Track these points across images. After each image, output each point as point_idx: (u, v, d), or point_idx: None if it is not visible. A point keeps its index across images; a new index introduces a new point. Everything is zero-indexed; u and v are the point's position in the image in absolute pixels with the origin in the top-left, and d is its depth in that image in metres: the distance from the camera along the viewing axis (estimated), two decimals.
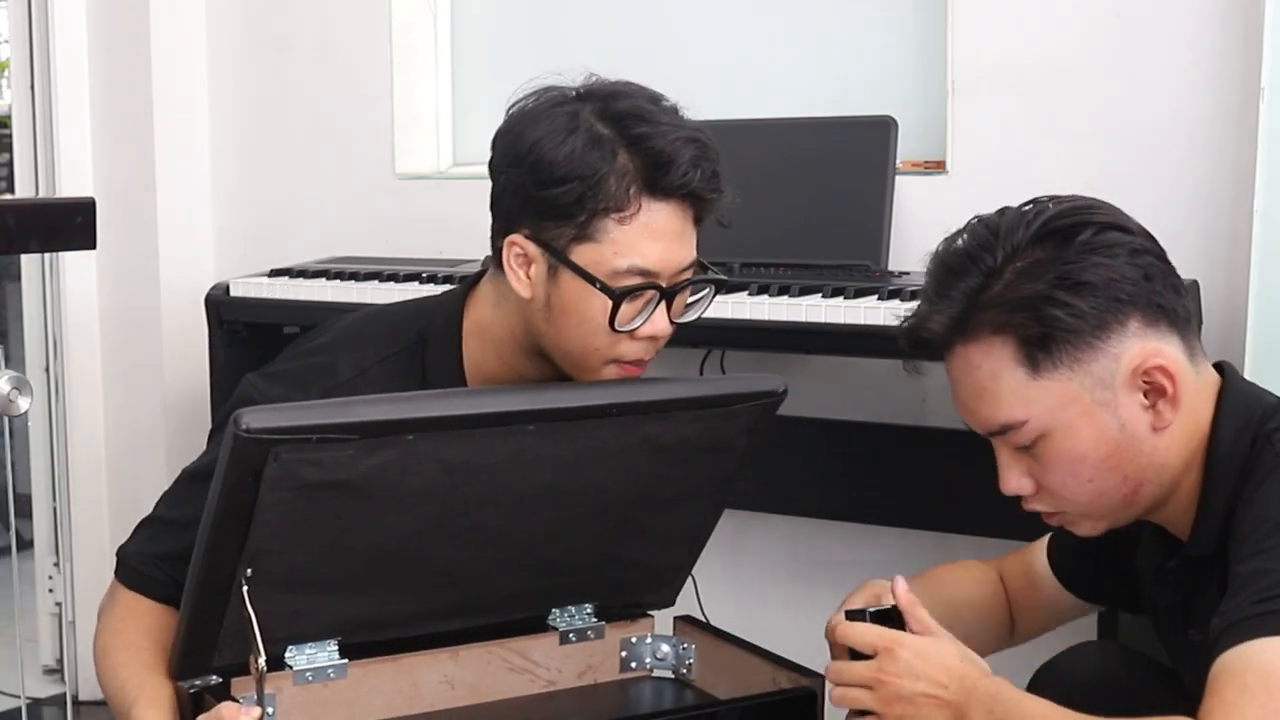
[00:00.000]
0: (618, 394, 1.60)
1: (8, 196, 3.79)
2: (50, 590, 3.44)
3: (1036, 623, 1.82)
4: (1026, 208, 1.52)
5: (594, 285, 1.62)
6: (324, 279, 2.71)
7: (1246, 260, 2.05)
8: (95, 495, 3.36)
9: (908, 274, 2.33)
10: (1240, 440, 1.49)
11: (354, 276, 2.67)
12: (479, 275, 1.79)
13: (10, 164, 3.51)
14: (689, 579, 1.84)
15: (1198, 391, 1.51)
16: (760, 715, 1.61)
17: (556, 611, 1.75)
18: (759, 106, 2.66)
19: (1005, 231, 1.50)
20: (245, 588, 1.46)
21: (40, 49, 3.33)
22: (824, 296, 2.17)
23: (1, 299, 4.14)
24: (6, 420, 2.00)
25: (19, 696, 2.60)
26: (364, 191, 3.12)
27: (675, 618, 1.81)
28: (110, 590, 1.73)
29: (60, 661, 3.42)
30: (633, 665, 1.79)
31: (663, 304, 1.66)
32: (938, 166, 2.48)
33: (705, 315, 2.25)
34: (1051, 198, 1.54)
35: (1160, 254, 1.51)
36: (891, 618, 1.52)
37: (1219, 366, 1.57)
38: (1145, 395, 1.47)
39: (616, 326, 1.63)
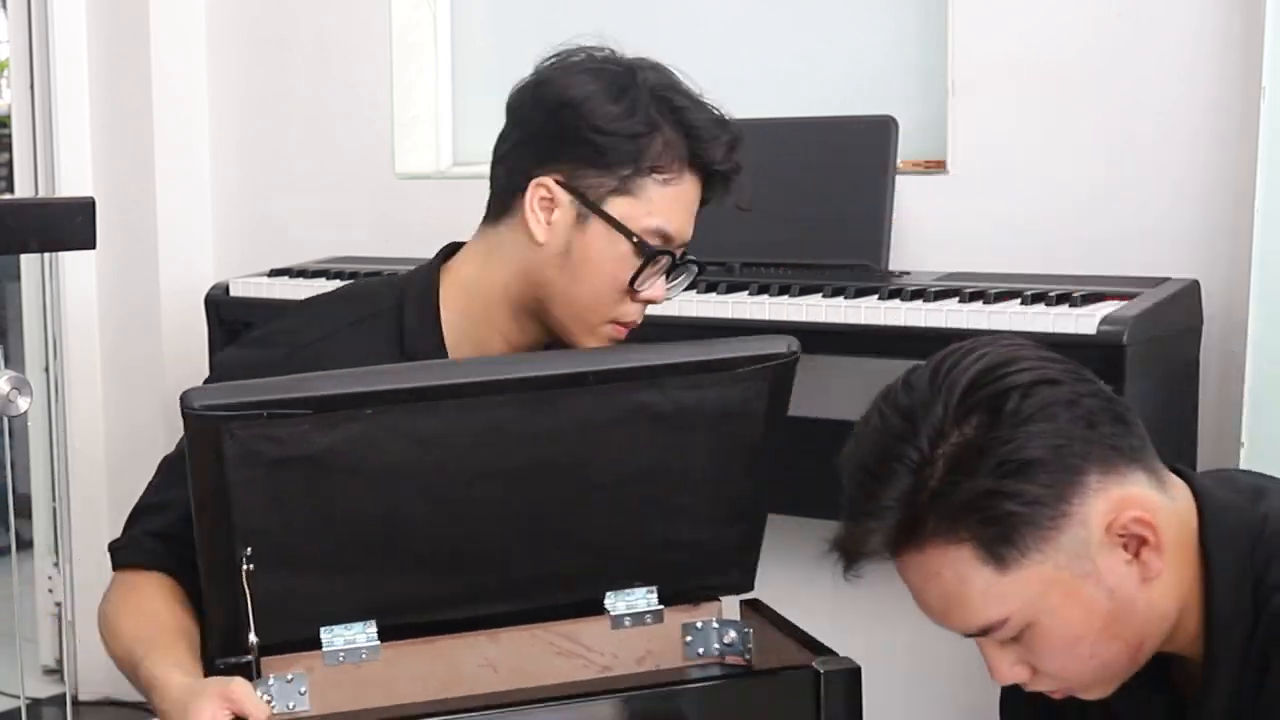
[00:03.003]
0: (594, 361, 1.55)
1: (8, 196, 3.80)
2: (50, 590, 3.44)
3: None
4: (934, 373, 1.36)
5: (628, 238, 1.65)
6: (324, 279, 2.71)
7: (1247, 260, 2.05)
8: (95, 495, 3.36)
9: (908, 274, 2.33)
10: (1240, 590, 1.35)
11: (354, 276, 2.66)
12: (453, 247, 1.79)
13: (10, 164, 3.52)
14: None
15: (1177, 519, 1.37)
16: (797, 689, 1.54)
17: (612, 595, 1.65)
18: (759, 106, 2.65)
19: (920, 412, 1.34)
20: (245, 567, 1.46)
21: (40, 49, 3.33)
22: (824, 296, 2.17)
23: (1, 299, 4.14)
24: (6, 420, 2.00)
25: (19, 697, 2.60)
26: (364, 191, 3.12)
27: (741, 601, 1.71)
28: (108, 587, 1.74)
29: (60, 661, 3.42)
30: (700, 651, 1.68)
31: (664, 274, 1.71)
32: (938, 166, 2.48)
33: (706, 315, 2.27)
34: (955, 353, 1.38)
35: (1092, 387, 1.36)
36: None
37: (1178, 473, 1.42)
38: (1125, 548, 1.33)
39: (635, 284, 1.67)
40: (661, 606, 1.67)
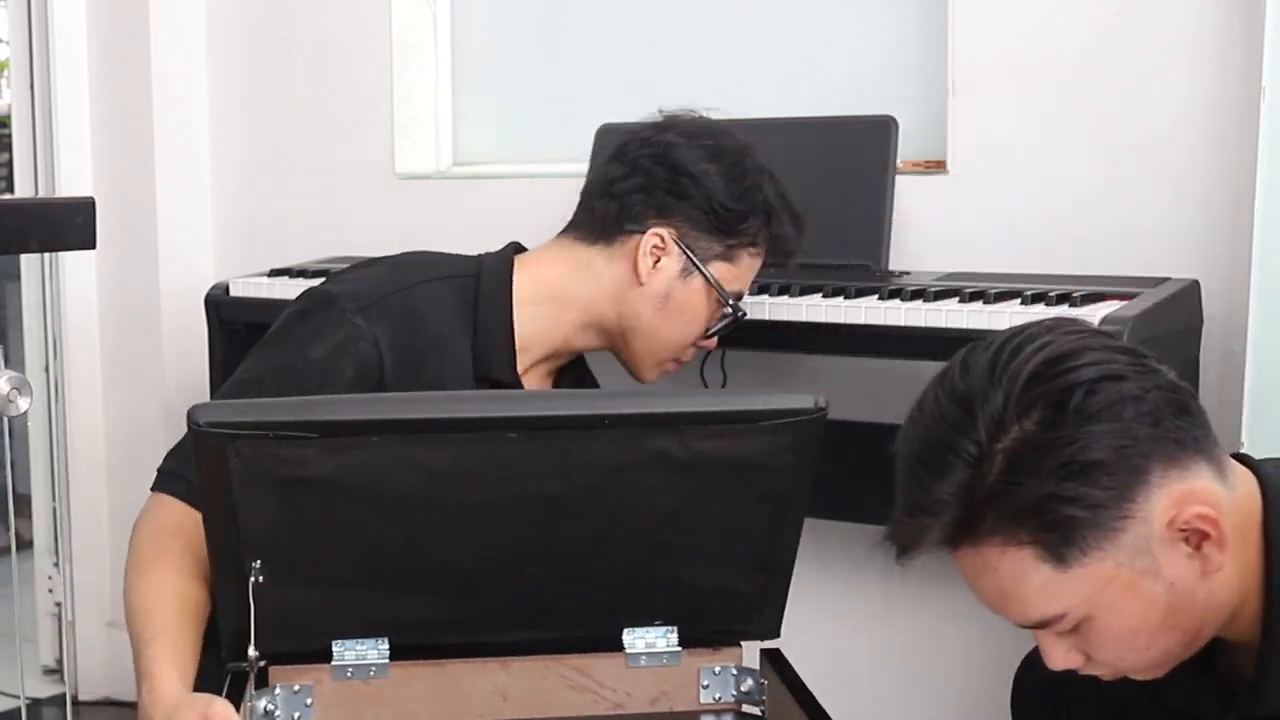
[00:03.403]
0: (610, 405, 1.55)
1: (8, 196, 3.80)
2: (50, 590, 3.44)
3: None
4: (994, 360, 1.34)
5: (723, 299, 1.96)
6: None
7: (1247, 260, 2.05)
8: (95, 495, 3.36)
9: (908, 274, 2.33)
10: None
11: None
12: (514, 246, 1.99)
13: (10, 164, 3.51)
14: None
15: (1238, 507, 1.35)
16: None
17: (630, 632, 1.66)
18: (759, 106, 2.65)
19: (979, 402, 1.31)
20: (252, 578, 1.46)
21: (40, 49, 3.33)
22: (824, 296, 2.17)
23: (1, 299, 4.14)
24: (6, 420, 2.00)
25: (18, 697, 2.60)
26: (364, 191, 3.12)
27: (762, 650, 1.70)
28: (146, 506, 1.74)
29: (60, 661, 3.42)
30: (715, 697, 1.68)
31: None
32: (938, 166, 2.48)
33: None
34: (1016, 339, 1.35)
35: (1157, 379, 1.33)
36: None
37: (1241, 460, 1.41)
38: (1187, 542, 1.32)
39: (710, 334, 1.98)
40: (680, 648, 1.65)
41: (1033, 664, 1.76)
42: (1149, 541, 1.30)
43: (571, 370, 2.03)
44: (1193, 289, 2.16)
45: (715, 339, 2.01)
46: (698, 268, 1.94)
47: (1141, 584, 1.31)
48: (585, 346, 1.99)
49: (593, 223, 1.97)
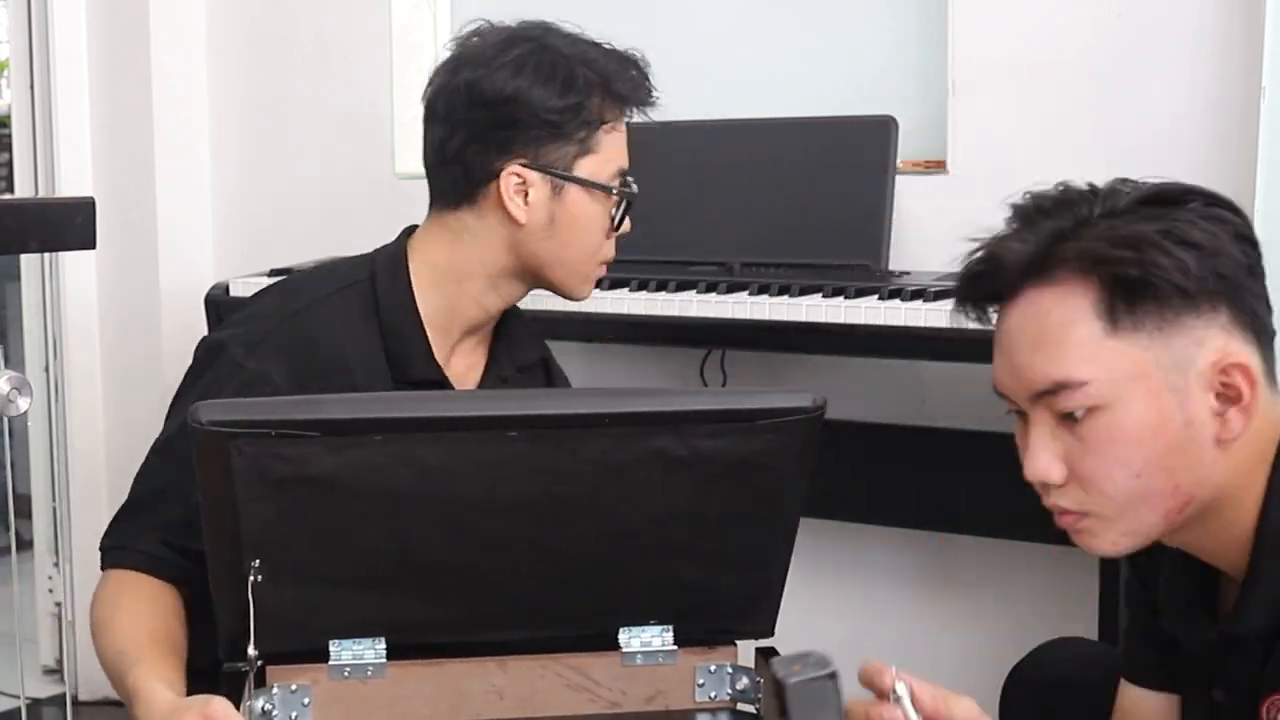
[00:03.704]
0: (611, 404, 1.54)
1: (8, 196, 3.80)
2: (50, 590, 3.44)
3: None
4: (1122, 180, 1.38)
5: (606, 191, 1.84)
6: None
7: None
8: (95, 495, 3.36)
9: (908, 274, 2.33)
10: None
11: None
12: (414, 227, 1.93)
13: (10, 164, 3.51)
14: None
15: (1268, 418, 1.34)
16: None
17: (626, 631, 1.65)
18: (760, 106, 2.65)
19: (1105, 192, 1.35)
20: (251, 578, 1.46)
21: (40, 49, 3.33)
22: (824, 296, 2.17)
23: (1, 299, 4.14)
24: (6, 420, 2.00)
25: (19, 697, 2.60)
26: (364, 191, 3.12)
27: (757, 649, 1.70)
28: (99, 583, 1.76)
29: (60, 661, 3.42)
30: (711, 695, 1.67)
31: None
32: (938, 166, 2.48)
33: (706, 315, 2.27)
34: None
35: (1260, 257, 1.36)
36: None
37: None
38: (1217, 398, 1.31)
39: (617, 226, 1.86)
40: (676, 647, 1.65)
41: (1021, 672, 1.76)
42: (1191, 364, 1.30)
43: (504, 331, 1.97)
44: None
45: (627, 224, 1.88)
46: (565, 179, 1.82)
47: (1166, 399, 1.30)
48: (507, 301, 1.90)
49: (447, 191, 1.88)
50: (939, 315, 2.05)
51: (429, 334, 1.84)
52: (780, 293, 2.22)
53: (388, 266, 1.87)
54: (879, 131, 2.40)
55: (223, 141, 3.32)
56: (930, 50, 2.52)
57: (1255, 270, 1.33)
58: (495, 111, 1.81)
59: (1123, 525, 1.34)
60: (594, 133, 1.83)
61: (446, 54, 1.91)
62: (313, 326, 1.79)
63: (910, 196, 2.42)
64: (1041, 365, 1.32)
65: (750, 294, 2.24)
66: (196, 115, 3.32)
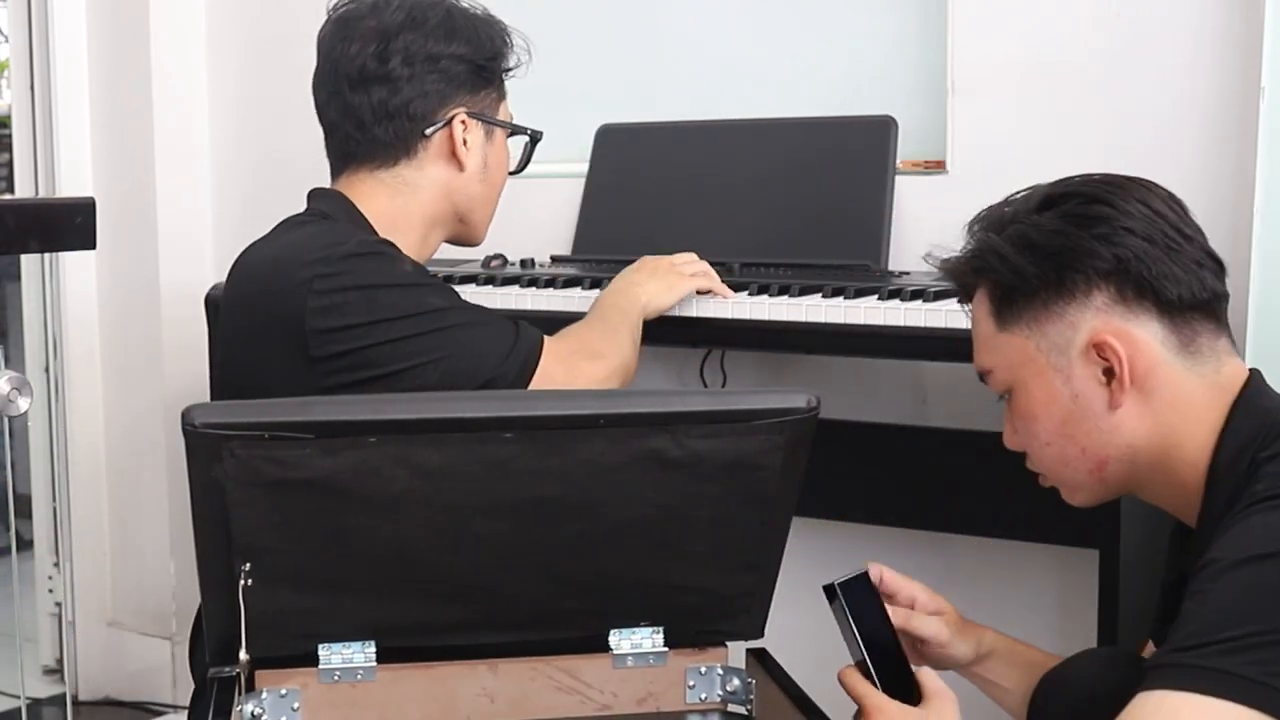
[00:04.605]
0: (607, 405, 1.55)
1: (8, 196, 3.80)
2: (50, 590, 3.44)
3: None
4: (1069, 177, 1.57)
5: (525, 133, 2.08)
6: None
7: (1246, 260, 2.05)
8: (95, 495, 3.36)
9: (908, 274, 2.33)
10: (1240, 460, 1.45)
11: None
12: (320, 191, 2.06)
13: (10, 164, 3.51)
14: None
15: (1189, 387, 1.49)
16: None
17: (617, 633, 1.66)
18: (759, 106, 2.65)
19: (1032, 191, 1.56)
20: (242, 581, 1.46)
21: (40, 49, 3.33)
22: (824, 296, 2.17)
23: (1, 299, 4.14)
24: (6, 420, 2.01)
25: (19, 697, 2.60)
26: None
27: (748, 650, 1.72)
28: None
29: (60, 661, 3.42)
30: (702, 697, 1.68)
31: None
32: (938, 166, 2.48)
33: (706, 315, 2.27)
34: (1102, 176, 1.57)
35: (1160, 239, 1.49)
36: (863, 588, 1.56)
37: (1251, 374, 1.52)
38: (1104, 372, 1.49)
39: (523, 166, 2.10)
40: (666, 649, 1.66)
41: (1053, 679, 1.76)
42: (1070, 346, 1.50)
43: None
44: None
45: (526, 164, 2.12)
46: (495, 124, 2.03)
47: (1051, 379, 1.51)
48: (433, 250, 2.06)
49: (386, 148, 1.99)
50: (939, 315, 2.05)
51: None
52: (780, 293, 2.22)
53: (352, 218, 1.97)
54: (879, 131, 2.40)
55: (223, 141, 3.32)
56: (930, 50, 2.52)
57: (1136, 255, 1.47)
58: (436, 65, 1.96)
59: (1064, 484, 1.58)
60: (504, 80, 2.05)
61: (330, 26, 2.01)
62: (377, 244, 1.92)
63: (910, 196, 2.42)
64: (975, 356, 1.60)
65: (750, 294, 2.24)
66: (196, 115, 3.32)
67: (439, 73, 1.97)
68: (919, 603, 1.70)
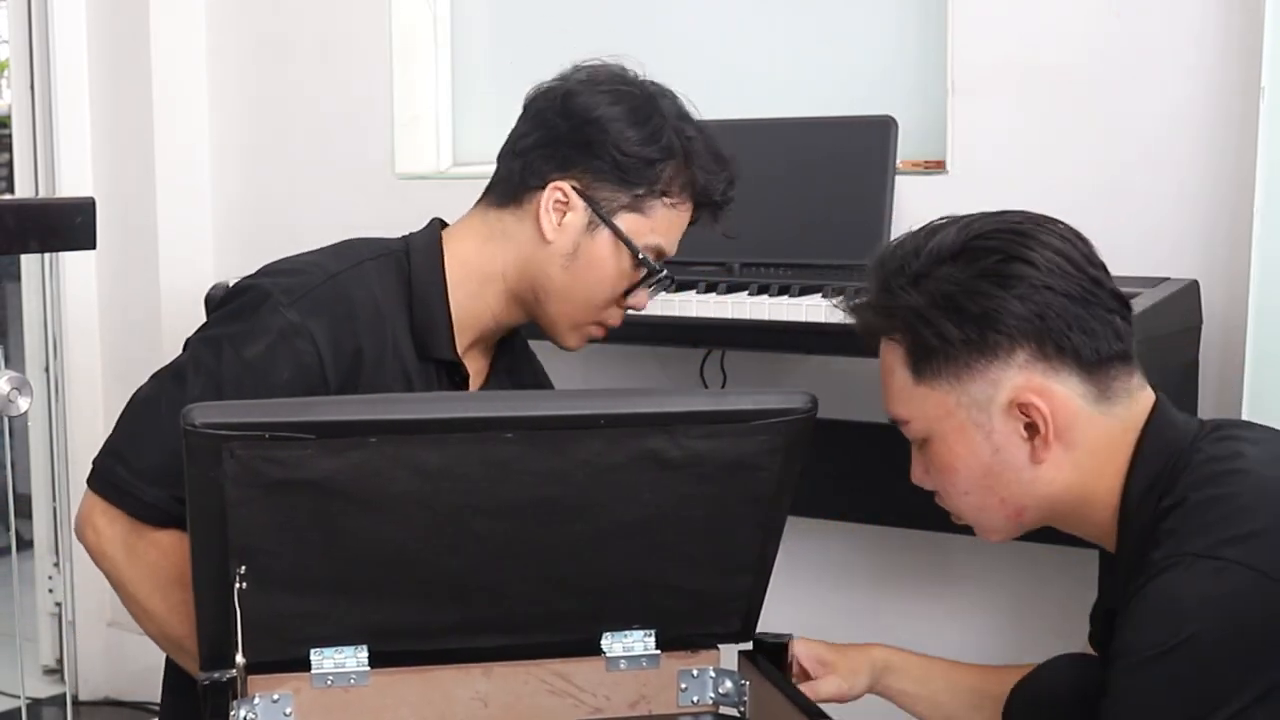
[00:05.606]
0: (606, 404, 1.53)
1: (8, 196, 3.80)
2: (50, 590, 3.44)
3: None
4: (971, 218, 1.54)
5: (632, 253, 1.82)
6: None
7: (1246, 260, 2.05)
8: None
9: None
10: (1146, 503, 1.48)
11: None
12: (442, 222, 1.92)
13: (10, 164, 3.52)
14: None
15: (1106, 432, 1.51)
16: None
17: (609, 636, 1.65)
18: (759, 106, 2.65)
19: (939, 238, 1.53)
20: (237, 585, 1.45)
21: (40, 49, 3.33)
22: (824, 296, 2.17)
23: (1, 299, 4.14)
24: (6, 420, 2.01)
25: (19, 697, 2.60)
26: (364, 192, 3.12)
27: (740, 652, 1.71)
28: (111, 521, 1.87)
29: (60, 661, 3.42)
30: (694, 699, 1.67)
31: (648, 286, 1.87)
32: (938, 166, 2.48)
33: (706, 315, 2.27)
34: (1002, 215, 1.55)
35: (1078, 294, 1.49)
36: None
37: (1156, 402, 1.55)
38: (1025, 427, 1.49)
39: (629, 293, 1.85)
40: (658, 651, 1.65)
41: (1025, 685, 1.76)
42: (991, 404, 1.49)
43: (507, 347, 1.97)
44: (1192, 289, 2.16)
45: (643, 299, 1.88)
46: (603, 219, 1.81)
47: (972, 434, 1.51)
48: (513, 320, 1.90)
49: (503, 185, 1.87)
50: None
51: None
52: (780, 293, 2.22)
53: (424, 248, 1.87)
54: (879, 131, 2.40)
55: (223, 141, 3.32)
56: (930, 50, 2.52)
57: (1054, 312, 1.47)
58: (575, 126, 1.81)
59: (979, 526, 1.59)
60: (653, 197, 1.82)
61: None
62: (353, 289, 1.79)
63: (910, 196, 2.42)
64: (886, 403, 1.58)
65: (750, 294, 2.24)
66: (196, 115, 3.32)
67: (575, 136, 1.81)
68: (810, 669, 1.75)
